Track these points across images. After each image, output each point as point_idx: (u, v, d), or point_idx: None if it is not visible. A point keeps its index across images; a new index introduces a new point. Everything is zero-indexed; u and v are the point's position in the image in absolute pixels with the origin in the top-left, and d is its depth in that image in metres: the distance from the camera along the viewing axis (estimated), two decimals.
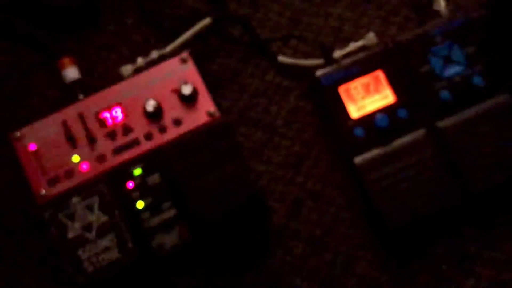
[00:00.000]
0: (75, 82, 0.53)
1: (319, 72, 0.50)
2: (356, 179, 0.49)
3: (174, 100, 0.49)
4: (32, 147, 0.49)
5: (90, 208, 0.47)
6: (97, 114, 0.49)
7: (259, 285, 0.50)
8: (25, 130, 0.49)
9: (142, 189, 0.48)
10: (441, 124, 0.49)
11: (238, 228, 0.51)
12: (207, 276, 0.51)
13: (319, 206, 0.51)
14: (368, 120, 0.49)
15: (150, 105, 0.48)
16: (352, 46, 0.52)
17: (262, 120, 0.54)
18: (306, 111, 0.54)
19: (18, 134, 0.49)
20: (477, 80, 0.49)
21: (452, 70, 0.49)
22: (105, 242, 0.46)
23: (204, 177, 0.47)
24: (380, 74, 0.49)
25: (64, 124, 0.49)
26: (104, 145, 0.49)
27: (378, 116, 0.48)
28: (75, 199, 0.47)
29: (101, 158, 0.48)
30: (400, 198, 0.47)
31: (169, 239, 0.48)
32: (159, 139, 0.49)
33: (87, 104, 0.50)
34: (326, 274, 0.50)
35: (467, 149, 0.48)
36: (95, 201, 0.48)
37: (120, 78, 0.52)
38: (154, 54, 0.52)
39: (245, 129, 0.54)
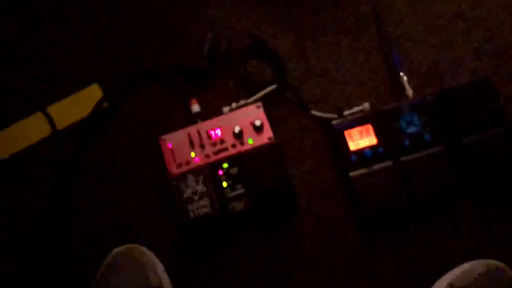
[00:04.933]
0: (197, 113, 0.70)
1: (334, 122, 0.66)
2: (350, 184, 0.66)
3: (250, 128, 0.67)
4: (170, 145, 0.67)
5: (197, 182, 0.64)
6: (207, 131, 0.67)
7: (287, 236, 0.66)
8: (167, 136, 0.67)
9: (227, 175, 0.66)
10: (403, 159, 0.65)
11: (278, 205, 0.67)
12: (258, 229, 0.66)
13: (325, 199, 0.68)
14: (360, 152, 0.65)
15: (237, 129, 0.67)
16: (355, 109, 0.68)
17: (298, 146, 0.69)
18: (324, 143, 0.69)
19: (163, 137, 0.68)
20: (426, 136, 0.65)
21: (412, 129, 0.65)
22: (203, 202, 0.63)
23: (262, 173, 0.63)
24: (369, 127, 0.66)
25: (189, 135, 0.67)
26: (209, 149, 0.67)
27: (366, 150, 0.65)
28: (189, 177, 0.64)
29: (206, 156, 0.66)
30: (374, 198, 0.64)
31: (239, 206, 0.65)
32: (239, 148, 0.67)
33: (202, 126, 0.68)
34: (325, 238, 0.66)
35: (415, 174, 0.64)
36: (200, 179, 0.64)
37: (221, 113, 0.69)
38: (242, 102, 0.69)
39: (288, 149, 0.69)
